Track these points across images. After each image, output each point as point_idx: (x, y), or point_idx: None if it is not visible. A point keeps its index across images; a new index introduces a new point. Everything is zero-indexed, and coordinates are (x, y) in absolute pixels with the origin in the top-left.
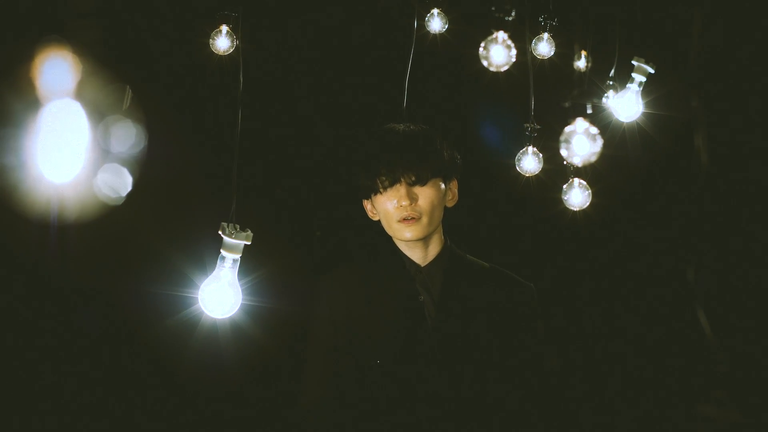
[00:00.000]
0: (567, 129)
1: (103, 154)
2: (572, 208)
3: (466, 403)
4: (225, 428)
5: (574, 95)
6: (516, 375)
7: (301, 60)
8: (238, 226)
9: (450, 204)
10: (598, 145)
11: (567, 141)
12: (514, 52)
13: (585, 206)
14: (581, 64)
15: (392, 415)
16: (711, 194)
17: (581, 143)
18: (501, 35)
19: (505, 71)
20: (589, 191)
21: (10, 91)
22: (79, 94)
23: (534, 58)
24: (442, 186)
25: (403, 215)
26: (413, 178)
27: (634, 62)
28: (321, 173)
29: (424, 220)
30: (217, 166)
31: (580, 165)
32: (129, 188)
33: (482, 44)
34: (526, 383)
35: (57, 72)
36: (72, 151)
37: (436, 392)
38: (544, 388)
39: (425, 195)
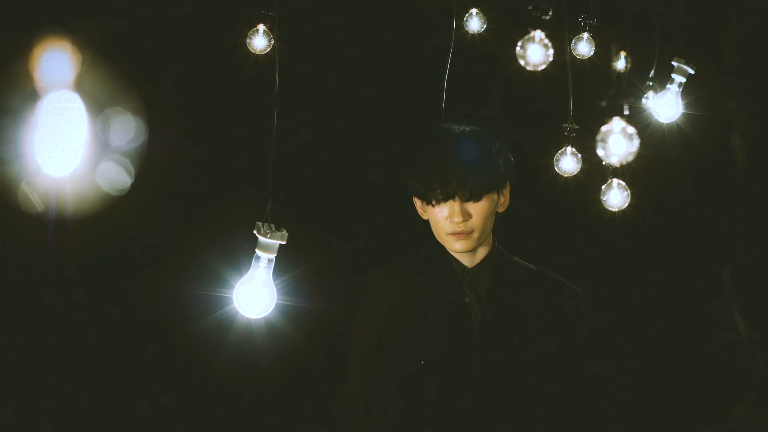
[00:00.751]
0: (603, 128)
1: (103, 147)
2: (611, 209)
3: (509, 405)
4: (260, 427)
5: (611, 94)
6: (561, 379)
7: (337, 60)
8: (273, 226)
9: (501, 210)
10: (634, 144)
11: (603, 140)
12: (551, 51)
13: (624, 207)
14: (620, 64)
15: (434, 416)
16: (748, 194)
17: (618, 143)
18: (538, 34)
19: (542, 71)
20: (628, 192)
21: (8, 83)
22: (79, 86)
23: (573, 57)
24: (495, 197)
25: (455, 230)
26: (467, 195)
27: (674, 63)
28: (359, 172)
29: (475, 234)
30: (252, 165)
31: (616, 164)
32: (131, 179)
33: (519, 43)
34: (570, 387)
35: (56, 64)
36: (71, 144)
37: (479, 394)
38: (588, 392)
39: (478, 210)
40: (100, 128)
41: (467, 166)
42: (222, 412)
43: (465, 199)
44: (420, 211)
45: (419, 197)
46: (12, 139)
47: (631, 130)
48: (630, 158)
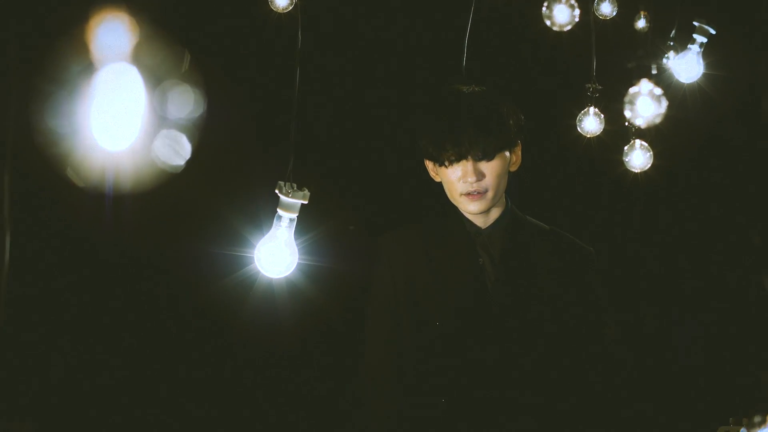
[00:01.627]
0: (631, 90)
1: (161, 120)
2: (633, 169)
3: (523, 365)
4: (282, 387)
5: (639, 56)
6: (574, 338)
7: (361, 15)
8: (295, 185)
9: (513, 168)
10: (663, 106)
11: (631, 102)
12: (577, 11)
13: (647, 168)
14: (641, 24)
15: (451, 375)
16: None
17: (646, 104)
18: None
19: (567, 31)
20: (651, 153)
21: (63, 55)
22: (136, 58)
23: (596, 18)
24: (508, 155)
25: (469, 190)
26: (480, 155)
27: (695, 23)
28: (381, 132)
29: (489, 194)
30: (274, 124)
31: (644, 127)
32: (188, 155)
33: (545, 4)
34: (584, 349)
35: (113, 35)
36: (128, 117)
37: (494, 353)
38: (603, 351)
39: (491, 169)
40: (157, 101)
41: (479, 125)
42: (243, 372)
43: (478, 159)
44: (432, 173)
45: (431, 159)
46: (68, 113)
47: (659, 91)
48: (658, 120)
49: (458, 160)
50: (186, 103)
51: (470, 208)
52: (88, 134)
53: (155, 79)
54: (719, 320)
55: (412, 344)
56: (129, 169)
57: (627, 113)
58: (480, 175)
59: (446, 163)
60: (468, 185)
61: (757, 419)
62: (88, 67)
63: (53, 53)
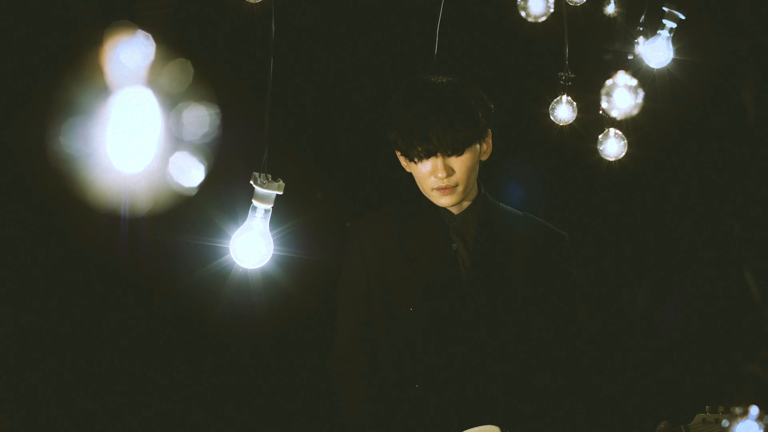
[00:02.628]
0: (608, 82)
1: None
2: (608, 158)
3: (497, 350)
4: (256, 378)
5: (615, 48)
6: (547, 323)
7: (333, 7)
8: (270, 176)
9: (484, 158)
10: (639, 98)
11: (608, 94)
12: (552, 1)
13: (621, 156)
14: (610, 9)
15: (424, 362)
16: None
17: (623, 96)
18: None
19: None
20: (625, 141)
21: (79, 79)
22: (151, 81)
23: (567, 5)
24: (478, 147)
25: (440, 185)
26: (449, 151)
27: (664, 8)
28: (356, 122)
29: (460, 188)
30: (248, 114)
31: (620, 118)
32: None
33: None
34: (557, 331)
35: (128, 58)
36: (144, 140)
37: (467, 339)
38: (575, 337)
39: (461, 164)
40: (173, 122)
41: (447, 122)
42: (217, 363)
43: (447, 155)
44: (404, 164)
45: (401, 153)
46: (84, 136)
47: (635, 83)
48: (635, 112)
49: (427, 156)
50: (200, 122)
51: (442, 202)
52: (104, 157)
53: (171, 100)
54: (697, 309)
55: (385, 330)
56: (144, 190)
57: (604, 104)
58: (450, 171)
59: (416, 159)
60: (438, 181)
61: (738, 410)
62: (104, 91)
63: (69, 77)
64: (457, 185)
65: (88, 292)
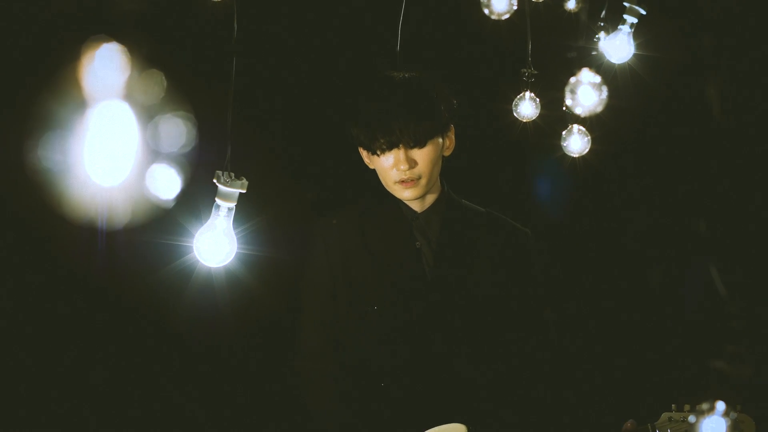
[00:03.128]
0: (572, 79)
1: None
2: (571, 154)
3: (462, 348)
4: (220, 378)
5: (579, 44)
6: (511, 320)
7: (298, 6)
8: (233, 174)
9: (447, 153)
10: (603, 94)
11: (572, 91)
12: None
13: (584, 153)
14: (572, 5)
15: (389, 360)
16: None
17: (587, 94)
18: None
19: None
20: (589, 137)
21: (56, 93)
22: (128, 95)
23: (529, 2)
24: (440, 141)
25: (402, 178)
26: (411, 143)
27: (625, 3)
28: (317, 120)
29: (423, 181)
30: (211, 113)
31: (584, 115)
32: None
33: None
34: (521, 328)
35: (105, 72)
36: (121, 153)
37: (432, 337)
38: (539, 333)
39: (424, 156)
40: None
41: (410, 114)
42: (180, 363)
43: (409, 147)
44: (366, 161)
45: (364, 147)
46: (61, 149)
47: (599, 80)
48: (599, 109)
49: (390, 148)
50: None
51: (404, 195)
52: (81, 171)
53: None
54: (661, 306)
55: (350, 328)
56: (122, 203)
57: (568, 102)
58: (413, 163)
59: (378, 152)
60: (401, 173)
61: (705, 406)
62: (80, 105)
63: (46, 91)
64: (419, 178)
65: (63, 300)
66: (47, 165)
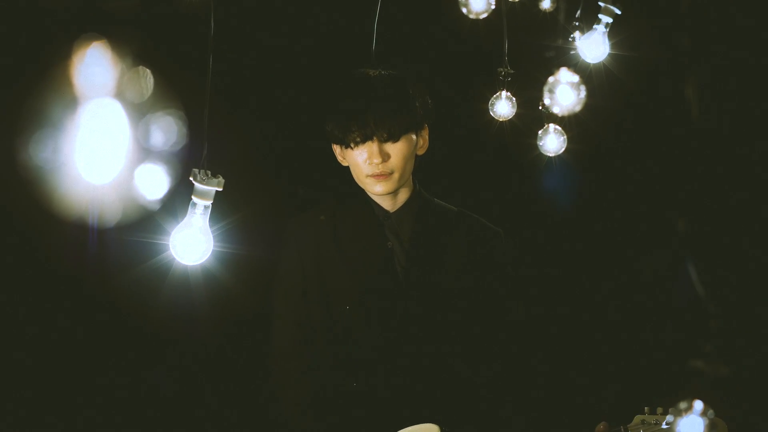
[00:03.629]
0: (551, 79)
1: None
2: (548, 153)
3: (434, 348)
4: (197, 376)
5: (557, 45)
6: (483, 320)
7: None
8: (209, 172)
9: (421, 152)
10: (582, 94)
11: (551, 91)
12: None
13: (560, 152)
14: (546, 4)
15: (361, 360)
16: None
17: (565, 93)
18: None
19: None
20: (565, 137)
21: (48, 91)
22: (119, 93)
23: (505, 1)
24: (414, 138)
25: (375, 171)
26: (385, 136)
27: (600, 3)
28: (293, 118)
29: (395, 175)
30: (188, 111)
31: (565, 115)
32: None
33: None
34: (493, 329)
35: (95, 70)
36: (112, 151)
37: (404, 337)
38: (511, 334)
39: (397, 151)
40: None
41: (384, 106)
42: (158, 360)
43: (383, 140)
44: (340, 158)
45: (337, 142)
46: (53, 147)
47: (577, 80)
48: (577, 109)
49: (363, 141)
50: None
51: (376, 189)
52: (73, 168)
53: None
54: (639, 306)
55: (322, 328)
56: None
57: (546, 101)
58: (386, 157)
59: (352, 145)
60: (374, 167)
61: (682, 405)
62: (72, 103)
63: (38, 89)
64: (392, 172)
65: (51, 300)
66: (39, 162)
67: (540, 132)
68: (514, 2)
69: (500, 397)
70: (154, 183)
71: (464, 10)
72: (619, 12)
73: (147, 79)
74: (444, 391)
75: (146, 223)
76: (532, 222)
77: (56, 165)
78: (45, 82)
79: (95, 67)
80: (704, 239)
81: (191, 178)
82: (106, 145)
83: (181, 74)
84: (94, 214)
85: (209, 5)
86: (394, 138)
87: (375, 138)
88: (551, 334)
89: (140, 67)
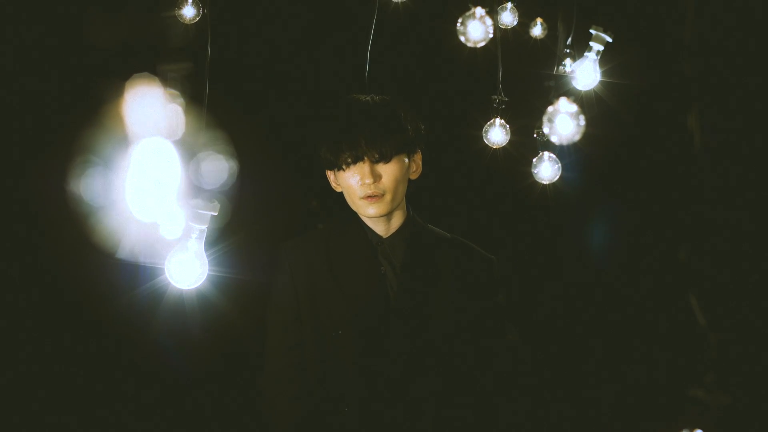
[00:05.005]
0: (550, 108)
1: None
2: (542, 181)
3: (425, 374)
4: (190, 399)
5: (553, 74)
6: (475, 347)
7: (268, 28)
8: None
9: (414, 177)
10: (581, 125)
11: (550, 120)
12: (491, 27)
13: (555, 180)
14: (537, 31)
15: (353, 385)
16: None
17: (565, 123)
18: (479, 11)
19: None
20: (560, 164)
21: (101, 130)
22: (171, 133)
23: (499, 28)
24: (406, 161)
25: (367, 193)
26: (377, 156)
27: (592, 31)
28: (288, 144)
29: (388, 197)
30: (185, 135)
31: (564, 144)
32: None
33: (459, 20)
34: (485, 355)
35: (148, 109)
36: (163, 190)
37: (395, 362)
38: (504, 360)
39: (389, 172)
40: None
41: (375, 126)
42: (153, 384)
43: (375, 161)
44: (333, 184)
45: (330, 166)
46: (104, 186)
47: (576, 109)
48: (576, 138)
49: (355, 162)
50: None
51: (369, 212)
52: (123, 206)
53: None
54: (639, 334)
55: (314, 353)
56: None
57: (546, 130)
58: (377, 177)
59: (344, 167)
60: (366, 187)
61: None
62: (124, 142)
63: (91, 127)
64: (384, 194)
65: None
66: (90, 201)
67: (534, 159)
68: (506, 29)
69: (494, 421)
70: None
71: (462, 39)
72: (610, 40)
73: (201, 119)
74: (434, 416)
75: (138, 247)
76: (525, 249)
77: (107, 202)
78: (97, 120)
79: (147, 106)
80: (705, 268)
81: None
82: (157, 184)
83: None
84: (145, 252)
85: (205, 29)
86: (385, 159)
87: (366, 158)
88: (545, 358)
89: (196, 108)
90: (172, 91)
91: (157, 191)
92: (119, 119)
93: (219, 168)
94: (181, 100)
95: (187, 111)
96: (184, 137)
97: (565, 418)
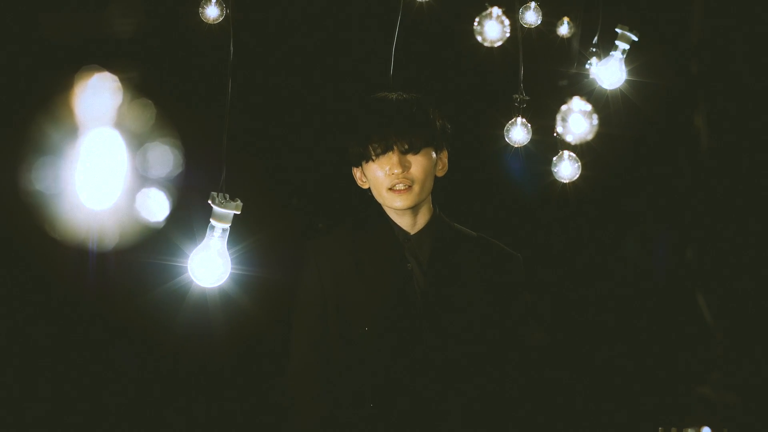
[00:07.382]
0: (563, 108)
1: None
2: (562, 180)
3: (451, 371)
4: (214, 397)
5: (571, 71)
6: (501, 344)
7: (292, 28)
8: (227, 196)
9: (440, 174)
10: (594, 122)
11: (564, 119)
12: (508, 27)
13: (575, 178)
14: (564, 30)
15: (379, 381)
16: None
17: (578, 122)
18: (495, 10)
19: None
20: (579, 163)
21: (49, 120)
22: (119, 122)
23: (522, 27)
24: (434, 155)
25: (395, 183)
26: (406, 146)
27: (617, 30)
28: (312, 141)
29: (416, 188)
30: (208, 134)
31: (576, 143)
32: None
33: (476, 20)
34: (511, 352)
35: (96, 100)
36: (111, 177)
37: (422, 358)
38: (529, 358)
39: (417, 163)
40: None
41: (404, 118)
42: (175, 382)
43: (404, 151)
44: (360, 181)
45: (358, 159)
46: (54, 175)
47: (590, 108)
48: (589, 137)
49: (384, 152)
50: (165, 161)
51: (396, 204)
52: (73, 194)
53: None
54: (651, 331)
55: (340, 349)
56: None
57: (559, 129)
58: (406, 167)
59: (372, 157)
60: (394, 177)
61: (690, 431)
62: (72, 132)
63: (40, 118)
64: (412, 184)
65: (56, 321)
66: (40, 188)
67: (554, 158)
68: (530, 29)
69: (519, 418)
70: (153, 207)
71: (479, 38)
72: (636, 39)
73: (150, 109)
74: (460, 413)
75: (164, 246)
76: (547, 247)
77: (57, 191)
78: (45, 112)
79: (96, 97)
80: (715, 268)
81: (209, 201)
82: (105, 171)
83: (178, 100)
84: (95, 239)
85: (229, 31)
86: (414, 149)
87: (395, 148)
88: (568, 356)
89: (144, 98)
90: (119, 83)
91: (106, 179)
92: (69, 111)
93: (165, 157)
94: (129, 90)
95: (134, 101)
96: (132, 127)
97: (582, 413)
